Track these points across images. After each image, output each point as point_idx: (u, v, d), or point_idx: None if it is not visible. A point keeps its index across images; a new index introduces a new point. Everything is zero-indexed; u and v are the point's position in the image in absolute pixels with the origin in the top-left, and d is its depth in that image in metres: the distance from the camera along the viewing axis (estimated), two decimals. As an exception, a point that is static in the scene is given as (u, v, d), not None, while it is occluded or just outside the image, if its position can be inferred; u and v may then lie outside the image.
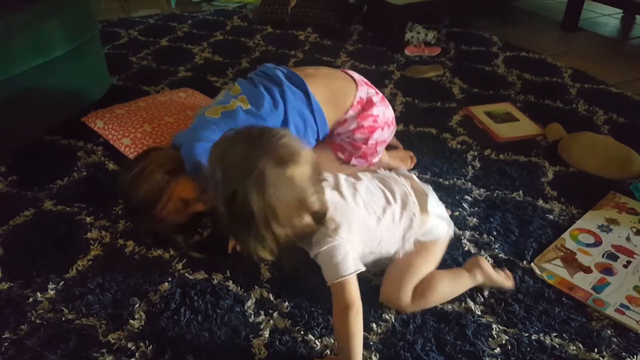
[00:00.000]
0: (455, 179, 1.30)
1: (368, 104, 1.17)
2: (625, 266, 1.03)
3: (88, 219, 1.15)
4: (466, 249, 1.08)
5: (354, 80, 1.20)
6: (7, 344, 0.86)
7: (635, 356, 0.85)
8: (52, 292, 0.96)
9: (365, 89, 1.19)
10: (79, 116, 1.46)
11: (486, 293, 0.97)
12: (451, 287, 0.94)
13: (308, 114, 1.12)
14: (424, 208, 0.93)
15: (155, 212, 1.02)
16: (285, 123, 1.10)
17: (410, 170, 1.33)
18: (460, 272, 0.97)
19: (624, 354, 0.85)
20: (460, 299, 0.95)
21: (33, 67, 1.32)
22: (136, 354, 0.84)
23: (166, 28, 2.33)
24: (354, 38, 2.25)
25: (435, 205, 0.97)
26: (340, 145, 1.20)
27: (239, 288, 0.97)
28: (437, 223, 0.95)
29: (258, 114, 1.08)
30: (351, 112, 1.16)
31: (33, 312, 0.92)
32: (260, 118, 1.08)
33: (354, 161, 1.21)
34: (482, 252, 1.06)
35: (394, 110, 1.61)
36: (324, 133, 1.17)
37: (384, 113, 1.19)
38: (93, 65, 1.57)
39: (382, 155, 1.26)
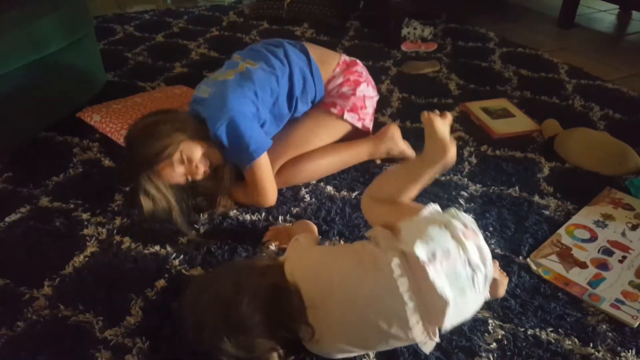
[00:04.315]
0: (451, 175, 1.30)
1: (352, 64, 1.33)
2: (621, 261, 1.04)
3: (84, 216, 1.15)
4: (463, 244, 1.08)
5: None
6: (3, 340, 0.86)
7: (630, 351, 0.85)
8: (48, 289, 0.96)
9: (347, 57, 1.34)
10: (74, 113, 1.45)
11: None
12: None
13: (308, 74, 1.23)
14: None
15: (159, 167, 1.04)
16: (290, 79, 1.20)
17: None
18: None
19: (619, 348, 0.86)
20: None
21: (28, 64, 1.31)
22: (133, 350, 0.84)
23: (162, 24, 2.31)
24: (351, 34, 2.24)
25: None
26: (331, 102, 1.26)
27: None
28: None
29: (269, 70, 1.17)
30: (337, 70, 1.30)
31: (29, 308, 0.92)
32: (272, 73, 1.17)
33: (346, 115, 1.25)
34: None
35: (390, 107, 1.63)
36: (320, 95, 1.27)
37: (367, 72, 1.34)
38: (88, 61, 1.56)
39: (400, 142, 1.31)
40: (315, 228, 1.07)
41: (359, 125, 1.28)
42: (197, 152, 1.08)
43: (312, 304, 0.74)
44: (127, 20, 2.35)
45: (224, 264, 1.00)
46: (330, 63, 1.30)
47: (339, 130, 1.28)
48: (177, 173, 1.08)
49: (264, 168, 1.13)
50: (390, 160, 1.34)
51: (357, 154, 1.29)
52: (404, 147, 1.32)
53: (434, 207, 0.81)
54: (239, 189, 1.18)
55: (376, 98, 1.37)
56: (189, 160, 1.08)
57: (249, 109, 1.11)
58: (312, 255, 0.85)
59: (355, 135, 1.31)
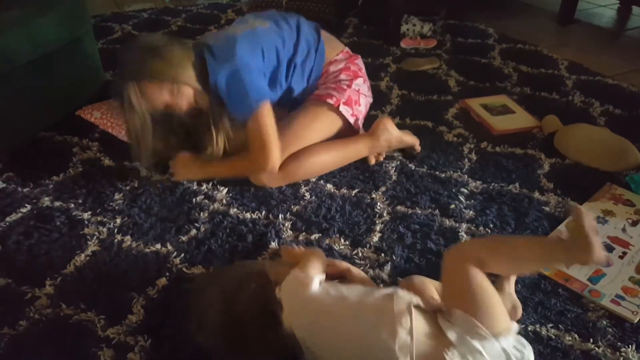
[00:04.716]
0: (451, 172, 1.30)
1: (354, 56, 1.35)
2: (621, 257, 1.04)
3: (85, 215, 1.15)
4: (463, 241, 1.08)
5: None
6: (6, 339, 0.87)
7: (630, 346, 0.85)
8: (50, 288, 0.96)
9: (351, 52, 1.36)
10: (73, 112, 1.45)
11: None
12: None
13: (313, 49, 1.26)
14: None
15: (149, 83, 1.07)
16: (295, 47, 1.22)
17: (409, 161, 1.34)
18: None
19: (619, 344, 0.86)
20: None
21: (27, 63, 1.31)
22: (135, 348, 0.85)
23: (160, 22, 2.31)
24: (350, 31, 2.23)
25: None
26: (327, 94, 1.25)
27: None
28: None
29: (278, 31, 1.21)
30: (341, 56, 1.33)
31: (32, 307, 0.92)
32: (279, 35, 1.21)
33: (342, 107, 1.25)
34: (479, 244, 1.07)
35: (390, 104, 1.63)
36: (316, 75, 1.29)
37: (365, 70, 1.36)
38: (87, 60, 1.56)
39: (395, 131, 1.31)
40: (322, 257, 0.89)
41: (351, 120, 1.28)
42: (189, 90, 1.10)
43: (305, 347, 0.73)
44: (125, 18, 2.34)
45: (235, 264, 0.98)
46: (336, 47, 1.33)
47: (333, 123, 1.27)
48: (160, 98, 1.09)
49: (268, 123, 1.11)
50: (390, 156, 1.34)
51: (358, 149, 1.29)
52: (400, 135, 1.32)
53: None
54: (238, 160, 1.18)
55: (370, 100, 1.37)
56: (178, 93, 1.09)
57: (255, 63, 1.12)
58: (311, 308, 0.75)
59: (346, 134, 1.30)
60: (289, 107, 1.30)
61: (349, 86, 1.27)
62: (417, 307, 0.70)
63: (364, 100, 1.32)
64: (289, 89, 1.26)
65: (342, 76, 1.29)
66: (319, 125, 1.25)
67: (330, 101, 1.24)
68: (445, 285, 0.76)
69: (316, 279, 0.77)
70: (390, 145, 1.31)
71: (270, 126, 1.12)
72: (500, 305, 0.71)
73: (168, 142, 1.19)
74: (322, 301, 0.74)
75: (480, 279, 0.70)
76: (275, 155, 1.15)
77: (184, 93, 1.11)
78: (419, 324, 0.68)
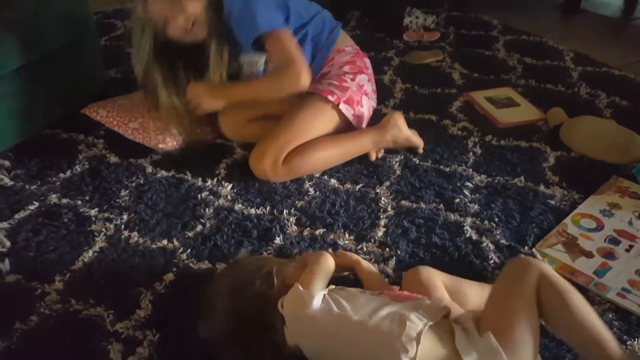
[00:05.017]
0: (456, 166, 1.30)
1: (362, 54, 1.37)
2: (627, 250, 1.04)
3: (92, 212, 1.16)
4: (467, 235, 1.08)
5: None
6: (18, 334, 0.88)
7: (636, 339, 0.85)
8: (59, 284, 0.98)
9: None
10: (78, 110, 1.46)
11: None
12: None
13: (327, 30, 1.29)
14: None
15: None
16: (313, 17, 1.25)
17: (413, 155, 1.33)
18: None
19: (625, 337, 0.86)
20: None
21: (30, 62, 1.31)
22: (144, 342, 0.86)
23: (163, 18, 2.30)
24: (352, 24, 2.22)
25: None
26: (329, 90, 1.23)
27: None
28: None
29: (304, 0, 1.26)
30: (350, 49, 1.33)
31: (42, 303, 0.94)
32: (304, 1, 1.25)
33: (342, 107, 1.23)
34: (484, 239, 1.07)
35: (394, 98, 1.62)
36: (323, 57, 1.30)
37: (372, 71, 1.36)
38: (90, 58, 1.57)
39: (405, 129, 1.31)
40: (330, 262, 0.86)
41: (353, 120, 1.26)
42: (193, 7, 1.09)
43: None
44: (127, 15, 2.32)
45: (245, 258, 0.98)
46: (346, 41, 1.35)
47: (333, 120, 1.25)
48: (161, 7, 1.10)
49: (291, 43, 1.12)
50: (393, 150, 1.34)
51: (362, 143, 1.28)
52: (409, 134, 1.31)
53: None
54: (267, 78, 1.25)
55: (374, 104, 1.35)
56: (179, 6, 1.10)
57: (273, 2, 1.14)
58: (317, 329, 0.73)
59: (349, 130, 1.29)
60: None
61: (353, 79, 1.27)
62: (432, 326, 0.66)
63: (367, 103, 1.29)
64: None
65: (346, 68, 1.28)
66: (319, 121, 1.24)
67: (330, 98, 1.23)
68: (497, 296, 0.71)
69: (317, 297, 0.74)
70: (395, 142, 1.31)
71: (295, 46, 1.13)
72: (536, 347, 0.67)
73: (167, 71, 1.20)
74: (323, 321, 0.72)
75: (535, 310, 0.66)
76: (306, 70, 1.13)
77: (187, 9, 1.10)
78: (428, 351, 0.64)
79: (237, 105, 1.26)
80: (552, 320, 0.67)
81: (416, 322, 0.67)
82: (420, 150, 1.35)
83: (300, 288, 0.76)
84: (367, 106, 1.30)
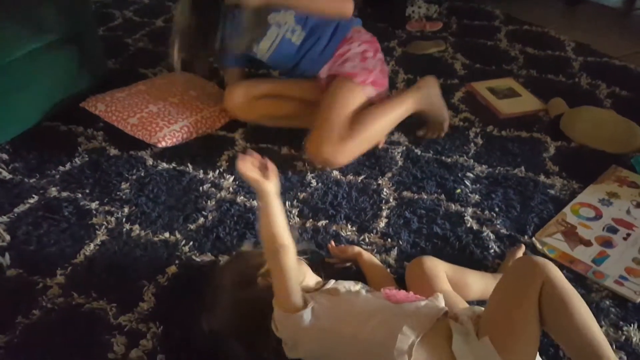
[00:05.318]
0: (457, 156, 1.30)
1: (377, 43, 1.40)
2: (625, 238, 1.04)
3: (93, 205, 1.16)
4: (468, 225, 1.09)
5: None
6: (20, 328, 0.88)
7: (632, 325, 0.87)
8: (61, 278, 0.98)
9: None
10: (77, 102, 1.45)
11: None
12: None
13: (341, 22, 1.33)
14: None
15: None
16: None
17: (414, 146, 1.33)
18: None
19: (621, 323, 0.87)
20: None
21: (29, 53, 1.30)
22: (147, 335, 0.86)
23: (161, 7, 2.27)
24: (354, 14, 2.19)
25: None
26: (353, 72, 1.28)
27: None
28: None
29: None
30: (364, 31, 1.39)
31: (44, 297, 0.94)
32: None
33: (368, 89, 1.27)
34: (484, 228, 1.08)
35: (396, 88, 1.61)
36: (346, 29, 1.34)
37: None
38: (89, 49, 1.55)
39: (439, 92, 1.34)
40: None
41: (381, 94, 1.31)
42: None
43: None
44: (125, 4, 2.31)
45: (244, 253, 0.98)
46: (359, 29, 1.38)
47: (364, 98, 1.27)
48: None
49: None
50: (396, 142, 1.34)
51: (407, 105, 1.28)
52: (442, 104, 1.34)
53: None
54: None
55: (387, 85, 1.38)
56: None
57: None
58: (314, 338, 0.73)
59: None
60: (284, 69, 1.39)
61: (374, 57, 1.31)
62: (426, 334, 0.65)
63: (383, 85, 1.33)
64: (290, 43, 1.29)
65: (366, 46, 1.32)
66: (354, 102, 1.25)
67: (357, 80, 1.26)
68: (499, 295, 0.70)
69: (306, 313, 0.71)
70: (432, 104, 1.31)
71: None
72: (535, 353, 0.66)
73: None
74: (317, 336, 0.71)
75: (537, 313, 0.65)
76: (352, 2, 1.20)
77: None
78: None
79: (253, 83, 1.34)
80: (551, 326, 0.66)
81: (408, 334, 0.65)
82: (446, 128, 1.36)
83: (283, 313, 0.72)
84: (386, 81, 1.36)
